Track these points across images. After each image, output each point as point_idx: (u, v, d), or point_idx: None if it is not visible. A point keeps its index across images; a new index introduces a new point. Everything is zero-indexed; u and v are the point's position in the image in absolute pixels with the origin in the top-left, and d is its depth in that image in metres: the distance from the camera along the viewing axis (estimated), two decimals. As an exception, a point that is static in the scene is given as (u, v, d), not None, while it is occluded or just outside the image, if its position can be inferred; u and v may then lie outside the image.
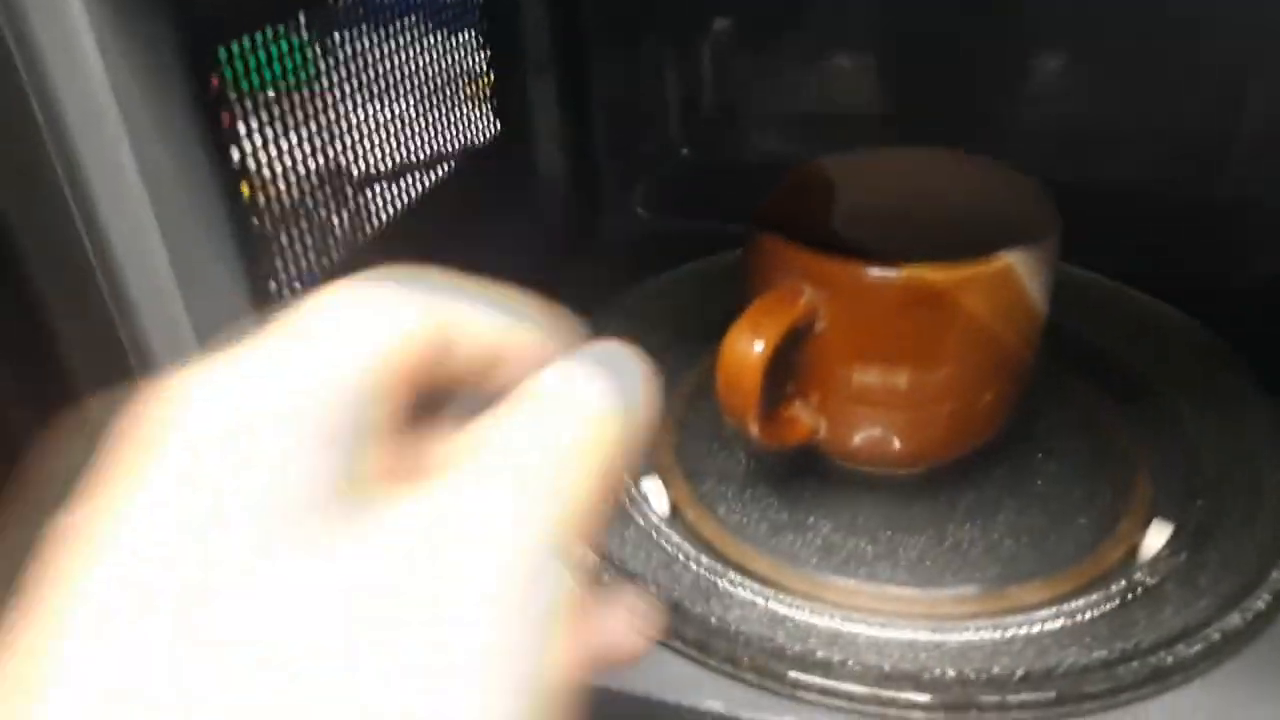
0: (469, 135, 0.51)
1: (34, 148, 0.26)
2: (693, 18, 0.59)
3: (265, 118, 0.35)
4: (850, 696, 0.30)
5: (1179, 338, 0.45)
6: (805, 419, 0.36)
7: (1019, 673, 0.30)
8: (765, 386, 0.32)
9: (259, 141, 0.35)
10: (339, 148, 0.40)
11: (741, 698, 0.31)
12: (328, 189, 0.40)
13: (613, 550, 0.36)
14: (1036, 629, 0.32)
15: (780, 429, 0.36)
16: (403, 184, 0.46)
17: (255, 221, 0.35)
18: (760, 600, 0.34)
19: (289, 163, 0.37)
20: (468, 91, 0.51)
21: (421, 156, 0.47)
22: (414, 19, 0.45)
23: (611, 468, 0.16)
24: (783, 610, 0.33)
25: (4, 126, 0.26)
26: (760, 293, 0.33)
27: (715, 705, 0.31)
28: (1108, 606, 0.33)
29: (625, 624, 0.19)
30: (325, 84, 0.39)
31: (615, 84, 0.61)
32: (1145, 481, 0.38)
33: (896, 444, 0.37)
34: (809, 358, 0.35)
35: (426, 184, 0.47)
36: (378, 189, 0.44)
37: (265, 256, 0.36)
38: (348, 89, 0.40)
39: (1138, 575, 0.34)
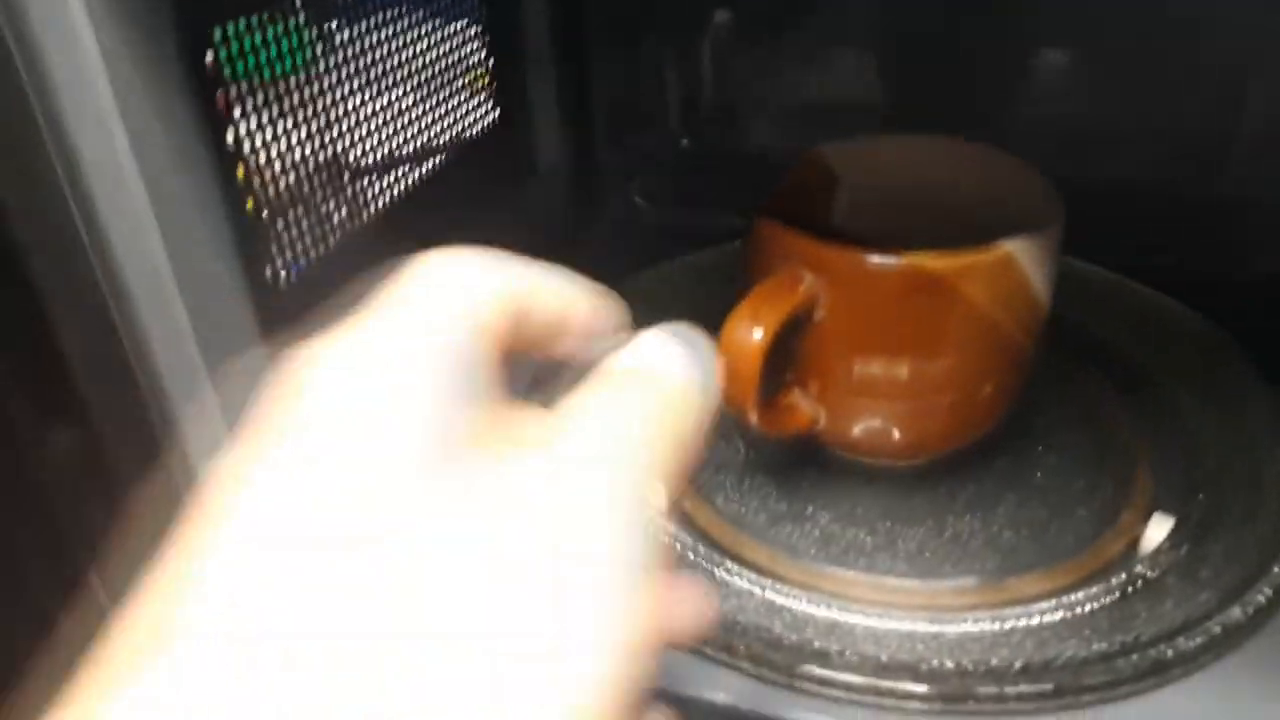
0: (468, 124, 0.51)
1: (29, 133, 0.26)
2: (694, 10, 0.58)
3: (262, 104, 0.35)
4: (847, 687, 0.30)
5: (1180, 330, 0.44)
6: (804, 408, 0.36)
7: (1017, 664, 0.30)
8: (764, 375, 0.32)
9: (254, 124, 0.34)
10: (336, 135, 0.40)
11: (738, 687, 0.31)
12: (325, 176, 0.39)
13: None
14: (1035, 621, 0.32)
15: (779, 418, 0.35)
16: (401, 172, 0.45)
17: (251, 208, 0.35)
18: (757, 590, 0.33)
19: (285, 149, 0.36)
20: (467, 80, 0.50)
21: (419, 145, 0.46)
22: (413, 6, 0.45)
23: (695, 436, 0.18)
24: (780, 600, 0.33)
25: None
26: (760, 281, 0.33)
27: (711, 694, 0.31)
28: (1107, 599, 0.32)
29: (693, 602, 0.20)
30: (323, 71, 0.39)
31: (615, 75, 0.61)
32: (1146, 474, 0.38)
33: (896, 434, 0.36)
34: (809, 346, 0.34)
35: (425, 172, 0.47)
36: (375, 177, 0.44)
37: (261, 243, 0.35)
38: (344, 74, 0.40)
39: (1138, 568, 0.33)
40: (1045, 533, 0.36)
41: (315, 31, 0.39)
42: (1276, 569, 0.32)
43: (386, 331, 0.16)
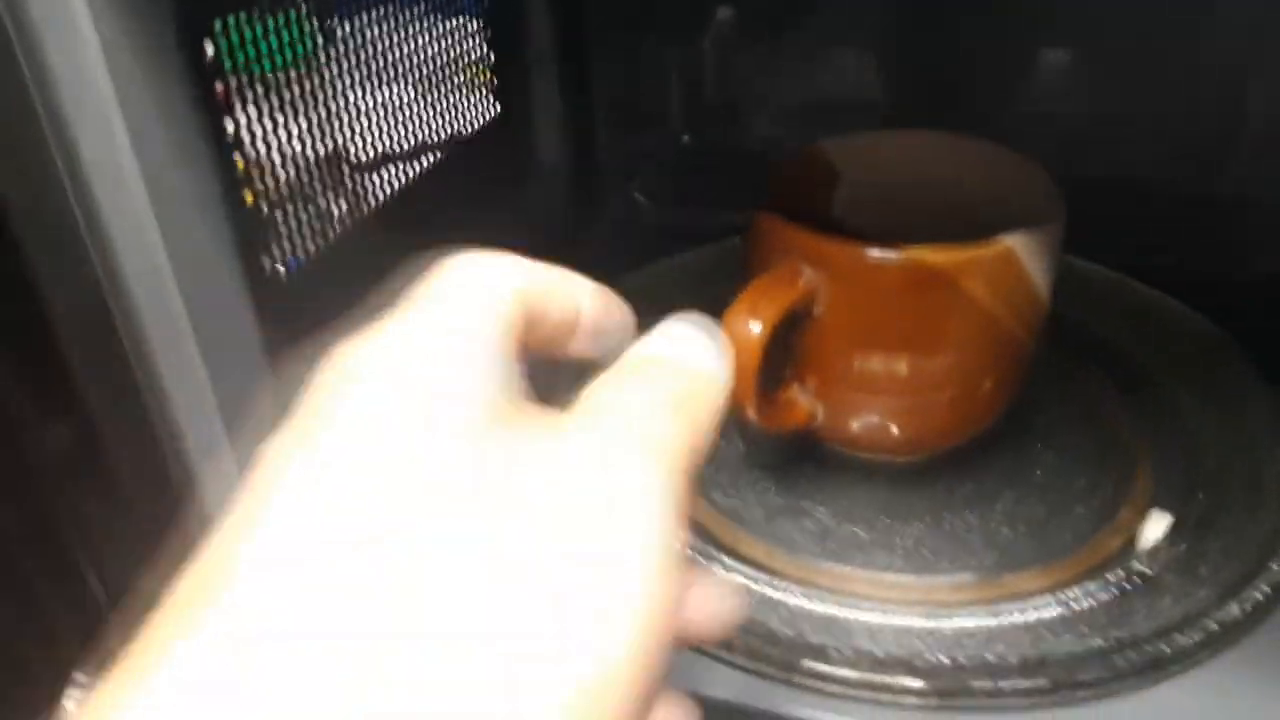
0: (468, 121, 0.51)
1: (29, 126, 0.26)
2: (695, 8, 0.58)
3: (262, 97, 0.35)
4: (843, 682, 0.30)
5: (1180, 329, 0.44)
6: (803, 403, 0.36)
7: (1013, 660, 0.30)
8: (763, 369, 0.32)
9: (254, 117, 0.34)
10: (336, 130, 0.40)
11: (734, 682, 0.31)
12: (324, 170, 0.39)
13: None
14: (1032, 616, 0.32)
15: (777, 413, 0.35)
16: (401, 168, 0.45)
17: (250, 201, 0.35)
18: (754, 585, 0.33)
19: (285, 143, 0.36)
20: (467, 77, 0.50)
21: (420, 141, 0.46)
22: (414, 1, 0.45)
23: (713, 423, 0.19)
24: (776, 595, 0.33)
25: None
26: (760, 275, 0.33)
27: (708, 690, 0.31)
28: (1105, 596, 0.32)
29: (716, 599, 0.20)
30: (323, 64, 0.39)
31: (616, 72, 0.61)
32: (1145, 472, 0.38)
33: (895, 430, 0.36)
34: (808, 341, 0.34)
35: (425, 168, 0.47)
36: (375, 172, 0.44)
37: (260, 236, 0.35)
38: (345, 68, 0.40)
39: (1136, 565, 0.33)
40: (1043, 529, 0.36)
41: (316, 25, 0.39)
42: (1275, 566, 0.32)
43: (424, 325, 0.17)
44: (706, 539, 0.35)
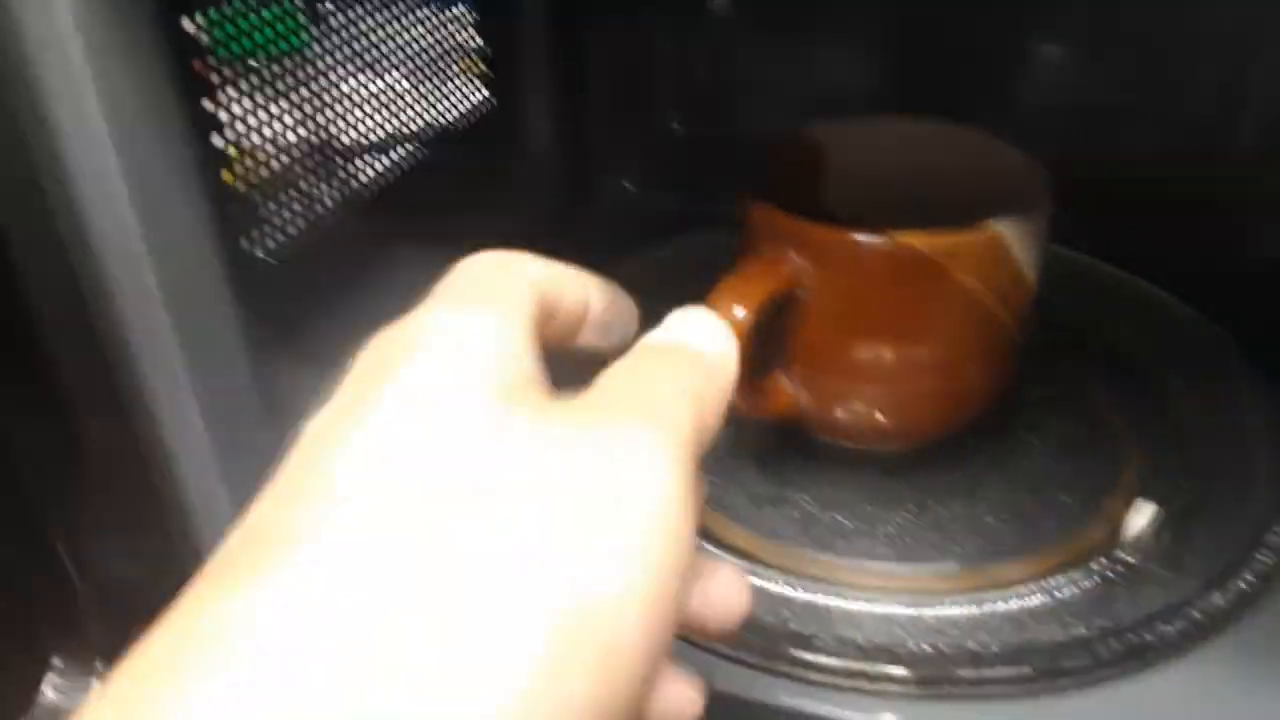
0: (460, 107, 0.50)
1: (3, 101, 0.25)
2: (689, -7, 0.58)
3: (246, 81, 0.34)
4: (826, 670, 0.30)
5: (1169, 319, 0.44)
6: (789, 390, 0.35)
7: (995, 648, 0.30)
8: (748, 355, 0.31)
9: (234, 94, 0.34)
10: (320, 111, 0.39)
11: (714, 669, 0.30)
12: (308, 152, 0.39)
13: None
14: (1015, 605, 0.32)
15: (763, 399, 0.35)
16: (390, 153, 0.45)
17: (231, 183, 0.34)
18: (736, 572, 0.33)
19: (267, 122, 0.36)
20: (461, 65, 0.50)
21: (410, 126, 0.46)
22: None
23: (722, 404, 0.20)
24: (758, 583, 0.33)
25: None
26: (746, 260, 0.32)
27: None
28: (1088, 584, 0.32)
29: (728, 591, 0.21)
30: (311, 49, 0.38)
31: (609, 60, 0.60)
32: (1131, 462, 0.38)
33: (881, 419, 0.36)
34: (795, 327, 0.34)
35: (415, 153, 0.46)
36: (363, 157, 0.43)
37: (242, 219, 0.35)
38: (332, 51, 0.40)
39: (1120, 554, 0.33)
40: (1028, 518, 0.35)
41: (304, 5, 0.38)
42: (1259, 556, 0.32)
43: (454, 315, 0.19)
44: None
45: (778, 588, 0.33)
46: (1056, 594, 0.32)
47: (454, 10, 0.49)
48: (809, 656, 0.30)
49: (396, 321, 0.19)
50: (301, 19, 0.38)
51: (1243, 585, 0.31)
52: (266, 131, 0.36)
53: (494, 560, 0.15)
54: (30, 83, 0.25)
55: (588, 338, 0.22)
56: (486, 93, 0.53)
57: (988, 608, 0.31)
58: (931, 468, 0.38)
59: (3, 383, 0.31)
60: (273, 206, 0.37)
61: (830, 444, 0.38)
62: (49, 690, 0.35)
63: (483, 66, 0.52)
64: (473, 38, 0.51)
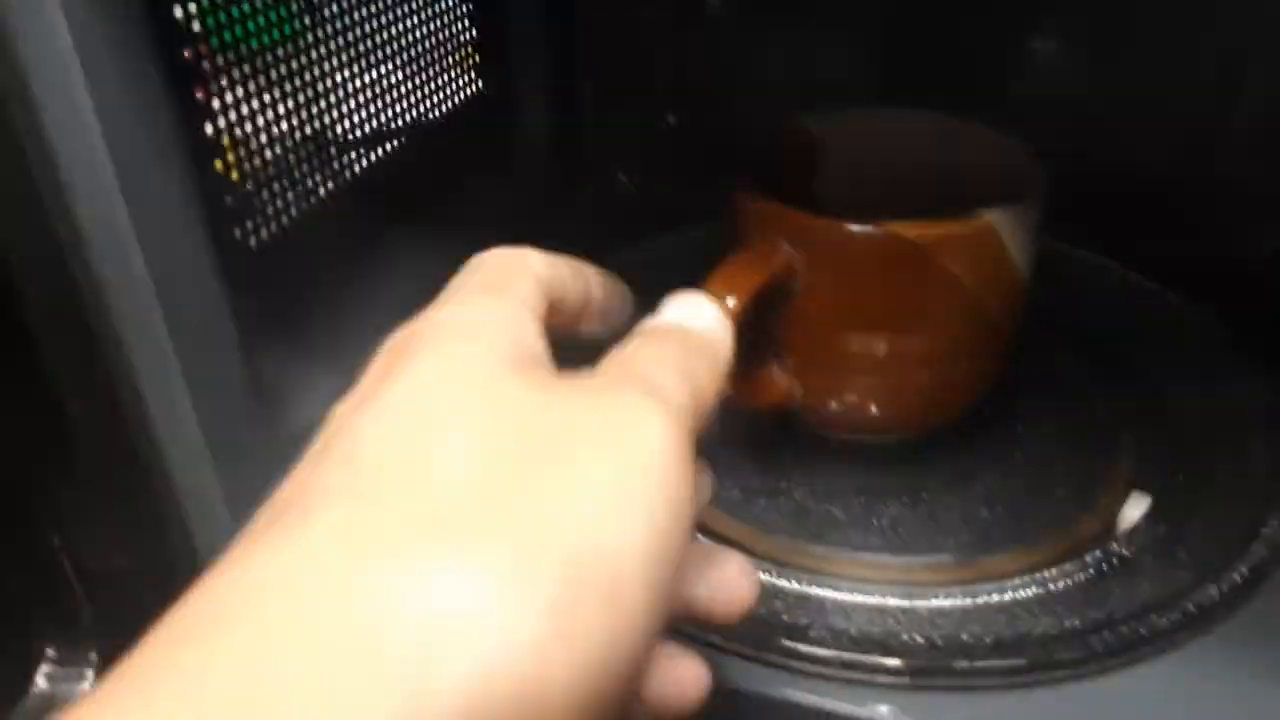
0: (453, 99, 0.50)
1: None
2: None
3: (237, 68, 0.34)
4: (818, 660, 0.29)
5: (1164, 312, 0.44)
6: (781, 381, 0.35)
7: (988, 640, 0.30)
8: (740, 345, 0.31)
9: (225, 83, 0.34)
10: (313, 100, 0.39)
11: (707, 660, 0.30)
12: (300, 141, 0.39)
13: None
14: (1009, 597, 0.31)
15: (755, 390, 0.35)
16: (382, 143, 0.45)
17: (221, 169, 0.34)
18: (729, 563, 0.33)
19: (259, 110, 0.36)
20: (454, 57, 0.50)
21: (402, 117, 0.46)
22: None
23: (717, 380, 0.22)
24: (752, 574, 0.33)
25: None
26: (737, 250, 0.32)
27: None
28: (1082, 576, 0.32)
29: (734, 580, 0.22)
30: (307, 42, 0.38)
31: (603, 52, 0.60)
32: (1126, 454, 0.37)
33: (874, 410, 0.36)
34: (787, 318, 0.34)
35: (408, 144, 0.46)
36: (355, 147, 0.43)
37: (232, 206, 0.35)
38: (324, 40, 0.39)
39: (1114, 546, 0.33)
40: (1022, 511, 0.35)
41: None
42: (1254, 549, 0.32)
43: (470, 303, 0.21)
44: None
45: (770, 579, 0.32)
46: (1050, 586, 0.32)
47: (448, 3, 0.49)
48: (802, 648, 0.30)
49: (413, 318, 0.20)
50: (295, 7, 0.38)
51: (1237, 578, 0.31)
52: (259, 120, 0.36)
53: (504, 509, 0.16)
54: (17, 71, 0.25)
55: (590, 325, 0.24)
56: (481, 84, 0.52)
57: (981, 599, 0.31)
58: (925, 459, 0.37)
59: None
60: (265, 196, 0.37)
61: (823, 435, 0.38)
62: (42, 680, 0.35)
63: (477, 58, 0.52)
64: (467, 28, 0.51)
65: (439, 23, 0.48)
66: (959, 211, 0.31)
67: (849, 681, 0.29)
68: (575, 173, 0.61)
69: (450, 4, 0.49)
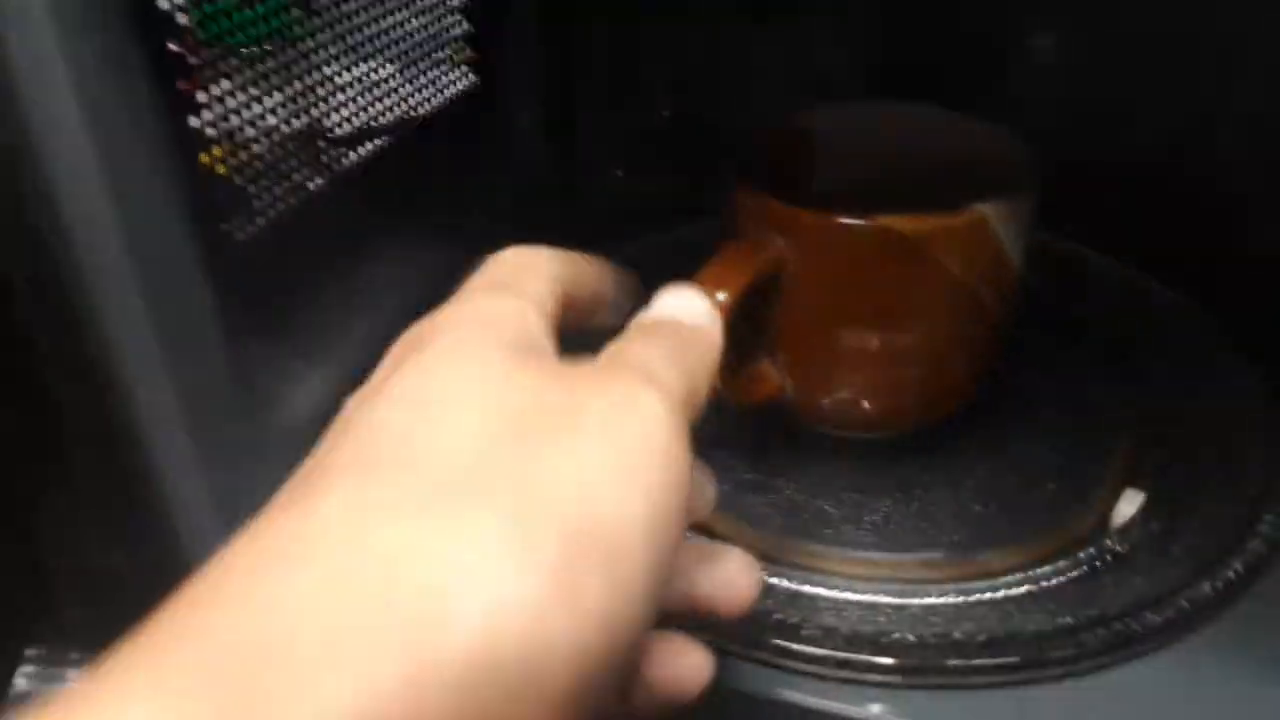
0: (447, 95, 0.50)
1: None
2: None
3: (230, 66, 0.34)
4: (807, 658, 0.29)
5: (1159, 308, 0.44)
6: (773, 377, 0.35)
7: (981, 638, 0.29)
8: (730, 340, 0.31)
9: (211, 75, 0.33)
10: (302, 93, 0.39)
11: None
12: (289, 134, 0.38)
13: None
14: (1001, 594, 0.31)
15: (746, 386, 0.35)
16: (375, 138, 0.44)
17: (207, 163, 0.34)
18: (720, 561, 0.33)
19: (247, 106, 0.35)
20: (444, 44, 0.49)
21: (395, 114, 0.45)
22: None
23: (708, 369, 0.23)
24: (743, 571, 0.32)
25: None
26: (728, 244, 0.32)
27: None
28: (1075, 573, 0.32)
29: (736, 574, 0.23)
30: (296, 35, 0.38)
31: (598, 47, 0.59)
32: (1120, 451, 0.37)
33: (866, 405, 0.36)
34: (779, 313, 0.34)
35: (401, 140, 0.46)
36: (347, 141, 0.43)
37: (218, 200, 0.34)
38: (320, 40, 0.39)
39: (1108, 543, 0.33)
40: (1015, 507, 0.35)
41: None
42: (1248, 545, 0.31)
43: (485, 300, 0.22)
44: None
45: (761, 577, 0.32)
46: (1043, 583, 0.31)
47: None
48: (794, 646, 0.29)
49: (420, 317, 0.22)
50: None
51: (1231, 574, 0.31)
52: (246, 114, 0.35)
53: (505, 478, 0.17)
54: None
55: (602, 317, 0.25)
56: (473, 79, 0.52)
57: (973, 597, 0.31)
58: (917, 455, 0.37)
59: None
60: (254, 190, 0.36)
61: (816, 431, 0.38)
62: (22, 680, 0.34)
63: (469, 52, 0.51)
64: (460, 22, 0.50)
65: (430, 16, 0.47)
66: (952, 205, 0.31)
67: (841, 680, 0.29)
68: (569, 168, 0.60)
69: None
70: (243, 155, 0.35)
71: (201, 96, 0.33)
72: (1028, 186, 0.33)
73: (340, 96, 0.41)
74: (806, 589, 0.32)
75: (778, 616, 0.30)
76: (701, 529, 0.34)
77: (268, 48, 0.36)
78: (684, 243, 0.49)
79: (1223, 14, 0.48)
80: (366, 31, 0.42)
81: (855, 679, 0.29)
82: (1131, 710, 0.28)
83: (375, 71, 0.43)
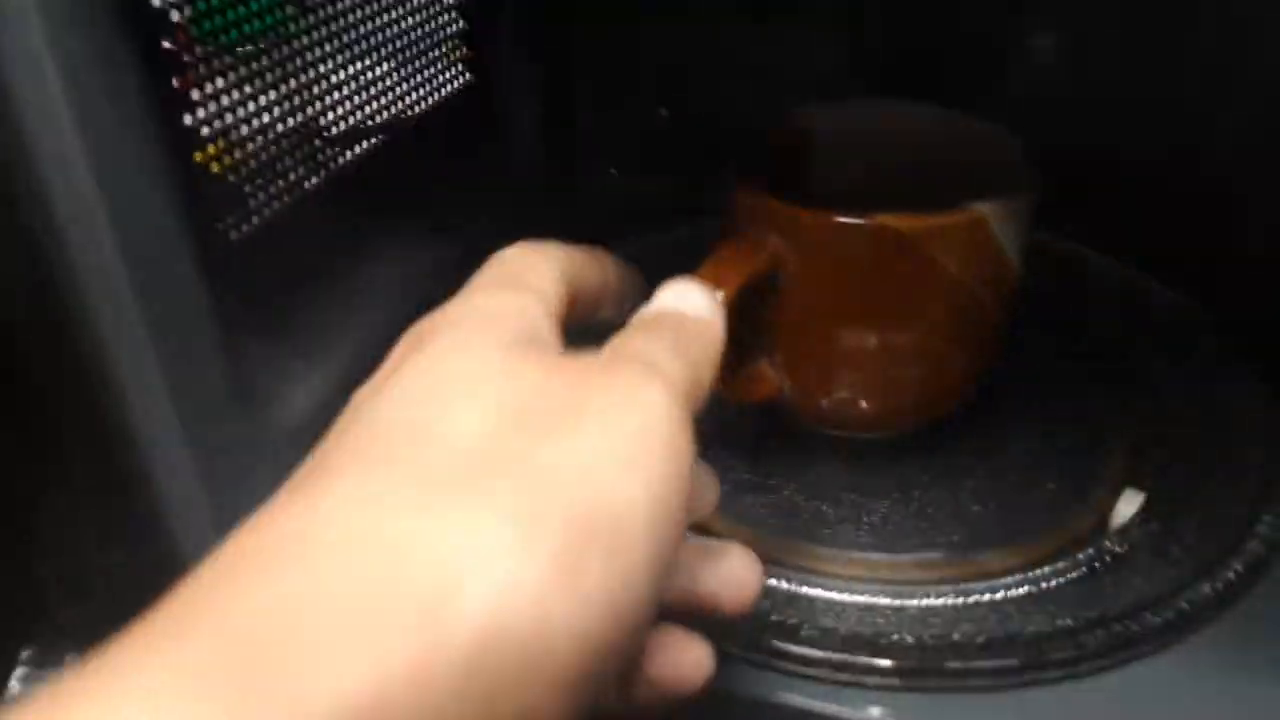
0: (442, 93, 0.49)
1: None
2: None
3: (225, 64, 0.34)
4: (805, 660, 0.29)
5: (1157, 307, 0.44)
6: (770, 377, 0.35)
7: (980, 639, 0.29)
8: (728, 339, 0.31)
9: (205, 71, 0.33)
10: (297, 90, 0.38)
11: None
12: (283, 130, 0.38)
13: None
14: (1000, 595, 0.31)
15: (744, 385, 0.35)
16: (369, 136, 0.44)
17: (201, 160, 0.34)
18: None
19: (241, 99, 0.35)
20: (440, 42, 0.49)
21: (390, 108, 0.45)
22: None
23: (710, 361, 0.23)
24: (740, 572, 0.32)
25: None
26: (725, 242, 0.32)
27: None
28: (1075, 574, 0.32)
29: (739, 570, 0.23)
30: (291, 32, 0.38)
31: (594, 46, 0.59)
32: (1119, 450, 0.37)
33: (864, 405, 0.36)
34: (777, 312, 0.33)
35: (395, 137, 0.46)
36: (341, 139, 0.43)
37: (211, 198, 0.34)
38: (315, 38, 0.39)
39: (1107, 544, 0.33)
40: (1014, 507, 0.35)
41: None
42: (1248, 546, 0.31)
43: (490, 296, 0.22)
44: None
45: (759, 577, 0.32)
46: (1043, 584, 0.31)
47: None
48: (791, 648, 0.29)
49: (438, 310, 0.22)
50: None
51: (1231, 575, 0.30)
52: (241, 112, 0.35)
53: (508, 465, 0.17)
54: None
55: (608, 311, 0.26)
56: (470, 77, 0.52)
57: (972, 598, 0.31)
58: (916, 455, 0.37)
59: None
60: (249, 189, 0.36)
61: (814, 431, 0.38)
62: (16, 683, 0.34)
63: (465, 50, 0.51)
64: (456, 20, 0.50)
65: (425, 14, 0.47)
66: (951, 204, 0.31)
67: (839, 683, 0.29)
68: (568, 168, 0.60)
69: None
70: (237, 154, 0.35)
71: (196, 94, 0.33)
72: (1027, 186, 0.33)
73: (335, 94, 0.41)
74: (805, 590, 0.31)
75: (775, 618, 0.30)
76: (700, 529, 0.34)
77: (262, 45, 0.36)
78: (683, 243, 0.49)
79: (1223, 14, 0.47)
80: (361, 29, 0.42)
81: (854, 681, 0.29)
82: (1132, 712, 0.28)
83: (370, 70, 0.43)
